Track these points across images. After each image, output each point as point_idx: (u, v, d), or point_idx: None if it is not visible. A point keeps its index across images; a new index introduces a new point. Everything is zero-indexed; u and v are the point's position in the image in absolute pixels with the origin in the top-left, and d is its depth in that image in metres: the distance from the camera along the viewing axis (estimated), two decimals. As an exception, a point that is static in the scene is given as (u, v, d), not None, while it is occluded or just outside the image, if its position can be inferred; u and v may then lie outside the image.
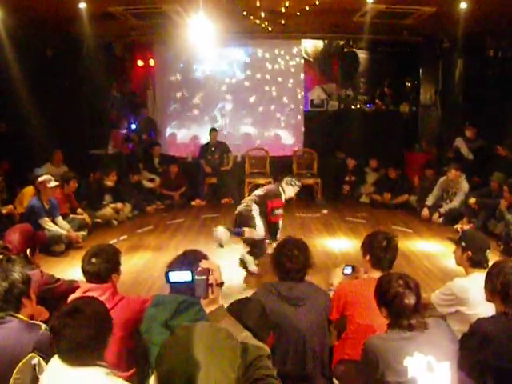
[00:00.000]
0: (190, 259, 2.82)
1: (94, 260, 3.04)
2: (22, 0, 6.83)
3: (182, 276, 2.27)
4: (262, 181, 9.81)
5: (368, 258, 3.43)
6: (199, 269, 2.20)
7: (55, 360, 2.19)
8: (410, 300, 2.49)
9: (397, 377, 2.36)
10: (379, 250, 3.36)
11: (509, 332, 2.57)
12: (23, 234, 3.84)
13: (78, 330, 2.12)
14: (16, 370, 2.36)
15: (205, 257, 2.87)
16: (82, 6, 7.03)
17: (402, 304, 2.49)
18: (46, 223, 6.67)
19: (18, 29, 7.76)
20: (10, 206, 7.03)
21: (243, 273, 5.98)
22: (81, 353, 2.13)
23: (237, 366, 1.53)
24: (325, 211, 8.94)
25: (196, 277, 2.17)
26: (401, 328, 2.48)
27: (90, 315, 2.18)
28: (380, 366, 2.39)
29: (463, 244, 3.52)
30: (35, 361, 2.40)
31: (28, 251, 3.77)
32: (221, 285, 2.20)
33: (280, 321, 3.03)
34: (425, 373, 2.37)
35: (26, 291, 2.76)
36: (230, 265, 5.97)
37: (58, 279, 3.78)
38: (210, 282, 2.16)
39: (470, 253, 3.45)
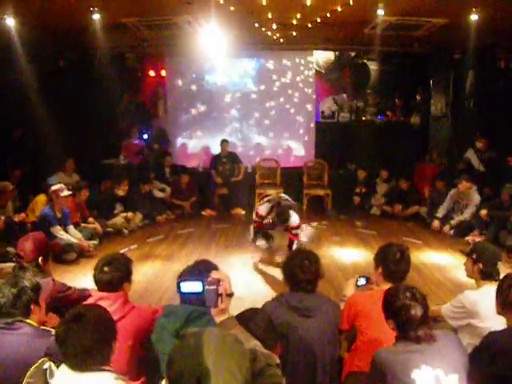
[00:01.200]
0: (200, 269, 2.86)
1: (106, 269, 3.07)
2: (36, 10, 6.93)
3: (193, 286, 2.30)
4: (272, 191, 9.80)
5: (380, 270, 3.41)
6: (209, 279, 2.23)
7: (64, 366, 2.22)
8: (417, 312, 2.48)
9: None
10: (392, 263, 3.34)
11: (521, 345, 2.56)
12: (36, 243, 3.87)
13: (82, 335, 2.16)
14: (28, 374, 2.39)
15: (215, 267, 2.90)
16: (96, 17, 7.12)
17: (409, 316, 2.48)
18: (58, 232, 6.74)
19: (32, 38, 7.86)
20: (22, 214, 7.09)
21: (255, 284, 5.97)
22: (87, 357, 2.16)
23: (245, 369, 1.55)
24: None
25: (206, 287, 2.20)
26: (408, 340, 2.47)
27: (93, 320, 2.22)
28: (388, 379, 2.38)
29: (474, 256, 3.51)
30: (47, 365, 2.43)
31: (40, 259, 3.80)
32: (230, 295, 2.23)
33: (290, 332, 3.03)
34: None
35: (34, 298, 2.80)
36: (240, 275, 5.99)
37: (70, 287, 3.81)
38: (219, 292, 2.19)
39: (481, 265, 3.44)
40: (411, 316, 2.47)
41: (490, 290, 3.08)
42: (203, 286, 2.23)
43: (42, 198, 7.33)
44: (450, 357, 2.44)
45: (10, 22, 7.12)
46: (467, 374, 2.48)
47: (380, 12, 7.06)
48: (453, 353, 2.47)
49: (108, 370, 2.20)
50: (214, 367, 1.49)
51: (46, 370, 2.43)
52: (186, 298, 2.70)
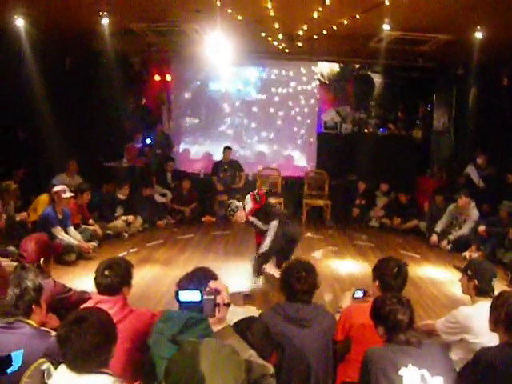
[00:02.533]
0: (199, 277, 2.89)
1: (107, 272, 3.11)
2: (45, 11, 7.00)
3: (192, 295, 2.35)
4: (272, 200, 9.83)
5: (377, 283, 3.48)
6: (207, 289, 2.28)
7: (62, 368, 2.25)
8: (404, 315, 2.65)
9: None
10: (389, 277, 3.41)
11: (512, 362, 2.60)
12: (38, 244, 3.90)
13: (83, 338, 2.18)
14: (26, 374, 2.41)
15: (214, 275, 2.95)
16: (105, 21, 7.19)
17: (397, 319, 2.64)
18: (59, 233, 6.77)
19: (40, 39, 7.94)
20: (24, 214, 7.14)
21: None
22: (86, 360, 2.19)
23: (241, 381, 1.60)
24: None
25: (204, 296, 2.25)
26: (397, 343, 2.61)
27: (94, 323, 2.24)
28: (377, 373, 2.49)
29: (469, 273, 3.55)
30: (45, 366, 2.45)
31: (42, 260, 3.84)
32: (228, 305, 2.28)
33: (285, 341, 3.07)
34: None
35: (36, 299, 2.83)
36: (238, 282, 6.04)
37: (70, 289, 3.84)
38: (217, 301, 2.23)
39: (476, 281, 3.47)
40: (399, 320, 2.64)
41: (484, 306, 3.11)
42: (201, 296, 2.27)
43: (44, 198, 7.36)
44: (435, 360, 2.56)
45: (20, 22, 7.19)
46: (452, 379, 2.57)
47: (386, 27, 7.13)
48: (438, 357, 2.59)
49: (106, 373, 2.23)
50: (210, 378, 1.55)
51: (44, 370, 2.46)
52: (184, 305, 2.73)
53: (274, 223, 6.02)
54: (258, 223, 6.19)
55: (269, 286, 6.05)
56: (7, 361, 2.40)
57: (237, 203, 6.25)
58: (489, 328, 2.91)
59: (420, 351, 2.57)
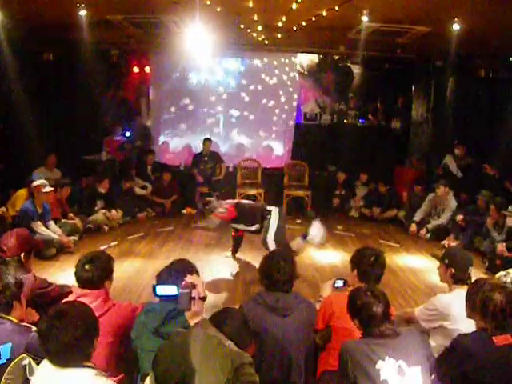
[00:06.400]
0: (177, 270, 2.91)
1: (87, 267, 3.11)
2: (22, 5, 6.90)
3: (168, 290, 2.38)
4: (253, 191, 9.91)
5: (356, 272, 3.53)
6: (183, 283, 2.31)
7: (45, 362, 2.25)
8: (378, 308, 2.66)
9: (369, 380, 2.48)
10: (367, 266, 3.47)
11: (488, 347, 2.65)
12: (19, 239, 3.88)
13: (64, 332, 2.18)
14: (7, 370, 2.42)
15: (192, 268, 2.98)
16: (82, 13, 7.11)
17: (371, 312, 2.66)
18: (38, 227, 6.72)
19: (17, 33, 7.82)
20: (2, 209, 7.07)
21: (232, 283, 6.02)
22: (68, 354, 2.20)
23: (227, 371, 1.64)
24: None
25: (180, 290, 2.28)
26: (372, 336, 2.62)
27: (75, 317, 2.25)
28: (354, 367, 2.52)
29: (446, 261, 3.62)
30: (26, 362, 2.46)
31: (22, 255, 3.82)
32: (203, 299, 2.31)
33: (266, 330, 3.10)
34: (396, 376, 2.49)
35: (17, 295, 2.81)
36: (219, 273, 6.08)
37: (51, 283, 3.82)
38: (192, 295, 2.26)
39: (452, 270, 3.55)
40: (373, 312, 2.65)
41: (461, 293, 3.17)
42: (178, 290, 2.30)
43: (22, 193, 7.29)
44: (412, 350, 2.59)
45: (-5, 15, 7.09)
46: (430, 366, 2.63)
47: (364, 18, 7.16)
48: (415, 347, 2.62)
49: (89, 366, 2.24)
50: (199, 367, 1.58)
51: (26, 366, 2.46)
52: (162, 299, 2.75)
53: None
54: (242, 227, 6.23)
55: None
56: None
57: (216, 203, 6.33)
58: (466, 315, 2.98)
59: (397, 342, 2.59)
